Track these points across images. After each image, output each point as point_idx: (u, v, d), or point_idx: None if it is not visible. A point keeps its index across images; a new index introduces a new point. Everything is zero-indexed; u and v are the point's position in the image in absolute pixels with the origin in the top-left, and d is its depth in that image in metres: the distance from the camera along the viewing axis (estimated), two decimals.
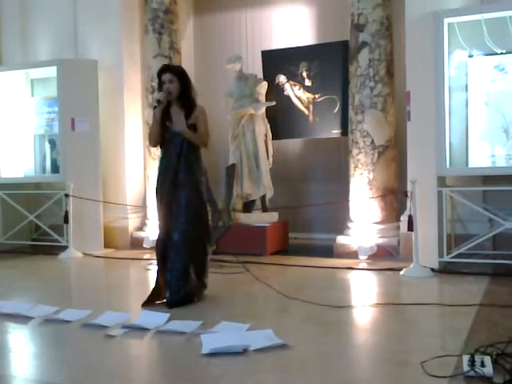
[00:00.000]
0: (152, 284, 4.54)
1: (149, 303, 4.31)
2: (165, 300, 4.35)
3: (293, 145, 7.73)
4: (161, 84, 4.37)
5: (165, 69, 4.43)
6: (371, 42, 6.12)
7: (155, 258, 4.52)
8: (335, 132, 6.89)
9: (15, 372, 3.11)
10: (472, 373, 2.69)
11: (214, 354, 3.14)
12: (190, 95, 4.41)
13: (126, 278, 5.92)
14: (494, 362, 2.78)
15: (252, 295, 4.70)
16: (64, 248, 6.89)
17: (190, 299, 4.35)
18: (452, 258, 5.32)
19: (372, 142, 6.15)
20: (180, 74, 4.39)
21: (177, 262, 4.30)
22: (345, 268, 5.66)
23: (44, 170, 7.55)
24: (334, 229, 6.67)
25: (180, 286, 4.29)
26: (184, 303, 4.27)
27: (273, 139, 7.05)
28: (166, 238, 4.37)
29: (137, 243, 7.24)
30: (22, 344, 3.66)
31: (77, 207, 6.86)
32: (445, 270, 5.27)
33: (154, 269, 5.79)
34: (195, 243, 4.36)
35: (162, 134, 4.38)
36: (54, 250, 6.97)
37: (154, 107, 4.41)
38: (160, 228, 4.45)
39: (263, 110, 6.94)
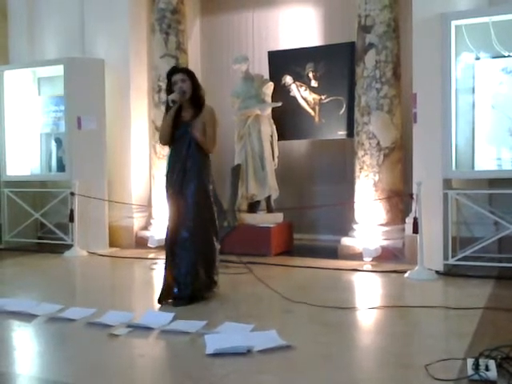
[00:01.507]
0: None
1: (162, 301, 4.36)
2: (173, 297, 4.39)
3: (298, 146, 7.73)
4: (170, 85, 4.43)
5: (175, 70, 4.53)
6: (378, 44, 6.11)
7: (164, 254, 4.55)
8: (341, 133, 6.88)
9: (19, 370, 3.12)
10: (476, 376, 2.69)
11: (217, 355, 3.14)
12: (200, 94, 4.50)
13: (131, 278, 5.93)
14: (499, 366, 2.77)
15: (256, 296, 4.70)
16: (69, 246, 6.91)
17: (199, 296, 4.38)
18: (457, 260, 5.31)
19: (378, 143, 6.14)
20: (190, 74, 4.49)
21: (185, 258, 4.35)
22: (349, 270, 5.65)
23: (50, 169, 7.58)
24: (339, 230, 6.66)
25: (188, 283, 4.33)
26: (192, 299, 4.31)
27: (278, 140, 7.04)
28: (175, 234, 4.41)
29: (141, 242, 7.25)
30: (27, 342, 3.67)
31: (82, 206, 6.88)
32: (450, 273, 5.26)
33: (158, 268, 5.83)
34: (203, 240, 4.41)
35: (172, 133, 4.44)
36: (59, 248, 6.99)
37: (168, 107, 4.44)
38: (169, 225, 4.49)
39: (269, 110, 6.94)
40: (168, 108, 4.45)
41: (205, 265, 4.41)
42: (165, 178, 4.54)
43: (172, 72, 4.49)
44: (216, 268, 4.52)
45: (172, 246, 4.43)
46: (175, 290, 4.36)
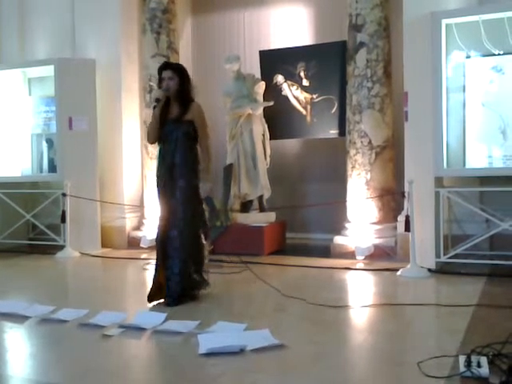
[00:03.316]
0: (149, 283, 4.53)
1: (151, 301, 4.36)
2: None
3: (290, 145, 7.74)
4: (161, 80, 4.44)
5: (165, 66, 4.53)
6: (369, 43, 6.12)
7: (155, 254, 4.54)
8: (333, 132, 6.90)
9: (12, 372, 3.11)
10: (468, 373, 2.70)
11: (211, 354, 3.14)
12: (188, 92, 4.47)
13: (123, 278, 5.92)
14: (490, 363, 2.79)
15: (249, 295, 4.70)
16: (61, 247, 6.88)
17: (190, 294, 4.39)
18: (449, 258, 5.33)
19: (369, 142, 6.16)
20: (180, 72, 4.46)
21: (175, 257, 4.36)
22: (342, 268, 5.67)
23: (41, 170, 7.54)
24: (332, 229, 6.67)
25: (178, 281, 4.33)
26: (184, 298, 4.32)
27: (270, 139, 7.05)
28: (165, 233, 4.42)
29: (134, 243, 7.23)
30: (19, 343, 3.66)
31: (74, 206, 6.85)
32: (442, 271, 5.28)
33: (151, 268, 5.81)
34: (191, 238, 4.42)
35: (159, 131, 4.44)
36: (51, 249, 6.96)
37: (154, 106, 4.46)
38: (159, 223, 4.50)
39: (261, 109, 6.94)
40: (155, 107, 4.45)
41: (195, 263, 4.42)
42: (155, 178, 4.55)
43: (163, 67, 4.48)
44: (205, 266, 4.52)
45: (163, 245, 4.43)
46: (167, 289, 4.37)
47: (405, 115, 5.60)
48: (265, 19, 7.87)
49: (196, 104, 4.48)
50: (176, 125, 4.39)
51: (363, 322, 3.94)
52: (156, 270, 4.48)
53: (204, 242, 4.50)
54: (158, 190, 4.49)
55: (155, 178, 4.54)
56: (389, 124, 6.24)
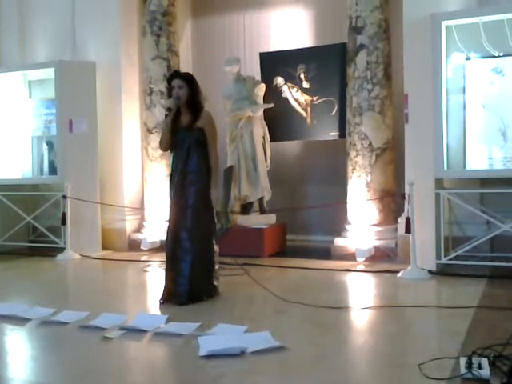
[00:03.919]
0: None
1: (165, 302, 4.40)
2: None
3: (290, 147, 7.74)
4: (170, 89, 4.52)
5: (174, 75, 4.64)
6: (369, 45, 6.13)
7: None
8: (333, 134, 6.90)
9: (12, 374, 3.10)
10: (469, 375, 2.69)
11: (211, 356, 3.14)
12: (198, 100, 4.56)
13: (124, 280, 5.91)
14: (492, 365, 2.78)
15: (250, 297, 4.70)
16: (61, 250, 6.88)
17: (197, 296, 4.42)
18: (450, 260, 5.33)
19: (370, 144, 6.16)
20: (189, 80, 4.55)
21: (185, 260, 4.41)
22: (342, 270, 5.66)
23: (41, 172, 7.55)
24: (332, 231, 6.68)
25: (186, 283, 4.38)
26: (189, 299, 4.34)
27: (271, 141, 7.06)
28: (175, 236, 4.47)
29: (134, 245, 7.23)
30: (19, 346, 3.65)
31: (74, 209, 6.85)
32: (442, 272, 5.28)
33: (151, 271, 5.83)
34: (202, 242, 4.48)
35: (171, 139, 4.53)
36: (52, 251, 6.96)
37: (166, 115, 4.56)
38: (169, 226, 4.55)
39: (261, 111, 6.94)
40: (167, 115, 4.54)
41: (204, 267, 4.48)
42: (169, 181, 4.63)
43: (172, 76, 4.59)
44: (215, 272, 4.57)
45: (173, 248, 4.48)
46: (175, 291, 4.41)
47: (405, 117, 5.61)
48: (265, 21, 7.87)
49: (206, 112, 4.57)
50: (187, 133, 4.47)
51: (364, 323, 3.94)
52: (165, 271, 4.54)
53: (214, 246, 4.56)
54: (171, 195, 4.56)
55: (168, 183, 4.62)
56: (389, 126, 6.25)
